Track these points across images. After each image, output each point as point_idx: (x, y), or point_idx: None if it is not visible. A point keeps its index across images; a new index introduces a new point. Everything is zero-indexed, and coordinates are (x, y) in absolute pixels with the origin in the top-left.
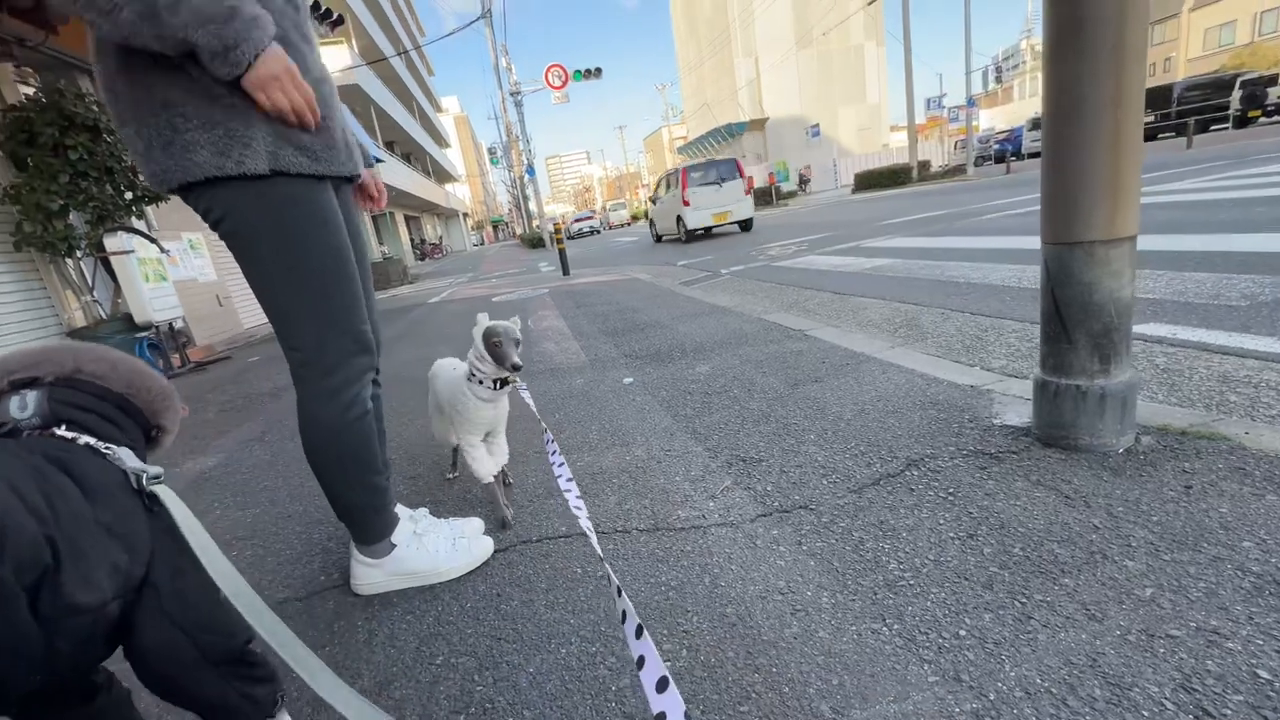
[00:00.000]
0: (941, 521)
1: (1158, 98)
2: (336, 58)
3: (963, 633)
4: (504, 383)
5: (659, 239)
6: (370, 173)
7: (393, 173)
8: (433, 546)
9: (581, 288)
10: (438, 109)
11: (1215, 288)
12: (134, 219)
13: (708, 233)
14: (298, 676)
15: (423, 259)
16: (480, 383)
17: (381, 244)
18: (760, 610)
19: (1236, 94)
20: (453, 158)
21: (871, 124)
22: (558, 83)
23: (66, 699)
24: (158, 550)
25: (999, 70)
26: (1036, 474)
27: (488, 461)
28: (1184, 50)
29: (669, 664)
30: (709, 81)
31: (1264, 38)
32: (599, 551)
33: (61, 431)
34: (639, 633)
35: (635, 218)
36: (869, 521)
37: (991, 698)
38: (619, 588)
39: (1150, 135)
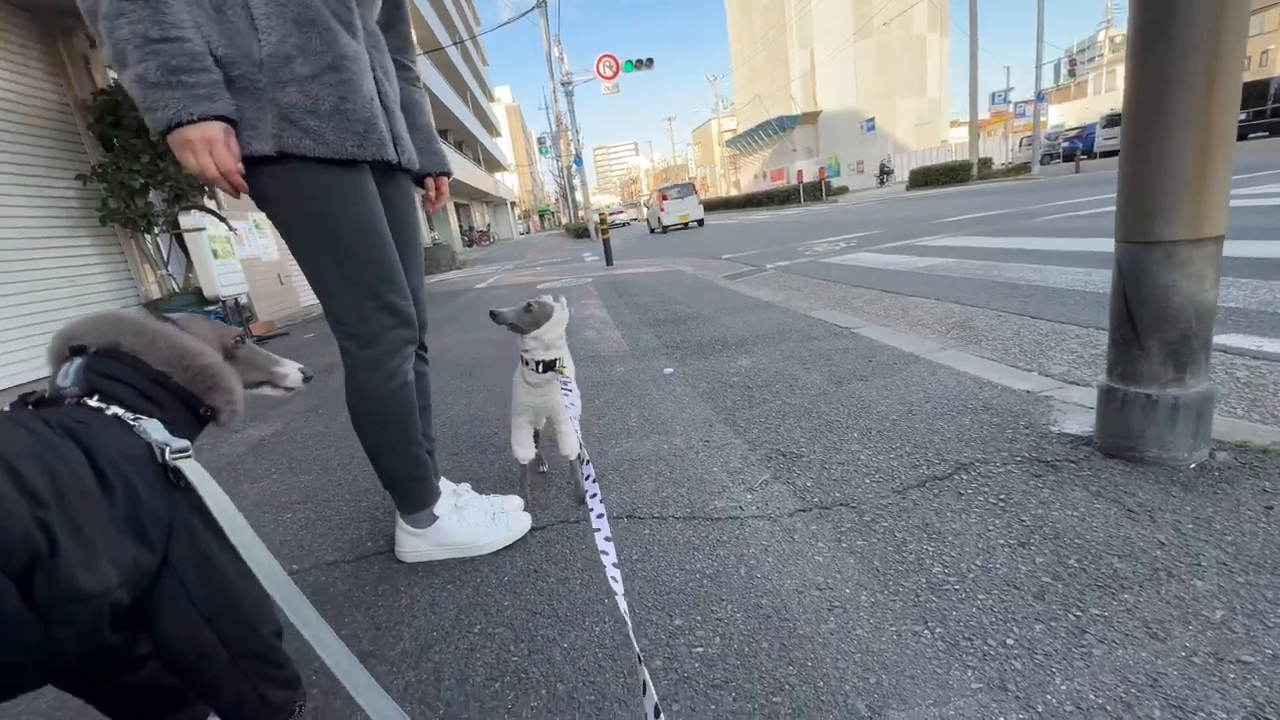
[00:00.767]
0: (991, 528)
1: (1253, 94)
2: None
3: (1010, 641)
4: (549, 367)
5: (651, 230)
6: (439, 180)
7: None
8: (473, 519)
9: (624, 278)
10: (490, 98)
11: None
12: (206, 198)
13: (680, 228)
14: (327, 686)
15: (470, 246)
16: (526, 363)
17: (432, 230)
18: (796, 604)
19: None
20: (503, 147)
21: (931, 118)
22: (608, 73)
23: (112, 668)
24: (179, 530)
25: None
26: (1097, 485)
27: (527, 445)
28: None
29: (701, 650)
30: (762, 73)
31: None
32: (633, 640)
33: (93, 402)
34: (656, 713)
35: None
36: (913, 523)
37: (1039, 709)
38: (639, 655)
39: (1242, 135)
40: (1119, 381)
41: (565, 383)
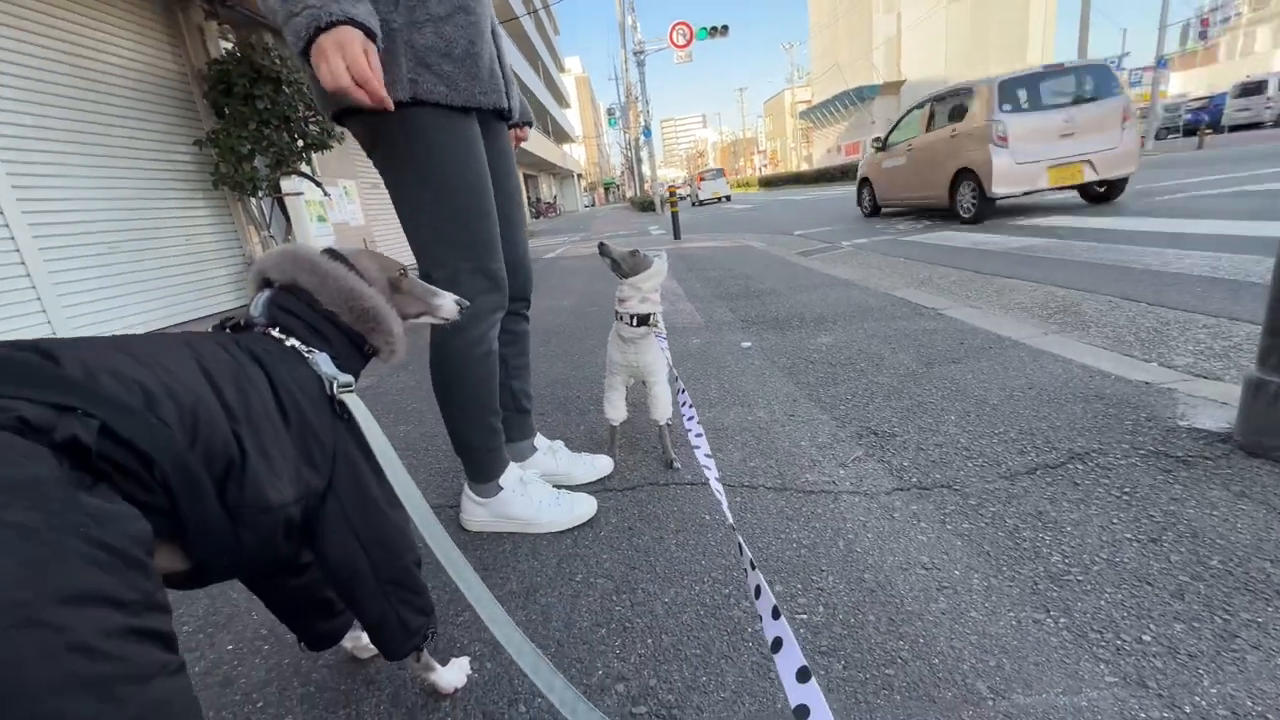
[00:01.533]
0: (1115, 521)
1: None
2: None
3: (1147, 638)
4: (643, 321)
5: (692, 204)
6: (522, 130)
7: None
8: (536, 497)
9: (693, 252)
10: (561, 69)
11: None
12: (304, 164)
13: (714, 202)
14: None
15: (538, 217)
16: (620, 318)
17: None
18: (902, 581)
19: None
20: (571, 119)
21: None
22: (682, 41)
23: (282, 571)
24: (341, 458)
25: (1205, 24)
26: (1240, 485)
27: (619, 406)
28: None
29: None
30: (842, 40)
31: None
32: (730, 519)
33: (275, 333)
34: (775, 614)
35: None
36: (1025, 510)
37: (1186, 710)
38: (752, 561)
39: None
40: (1273, 374)
41: (660, 334)
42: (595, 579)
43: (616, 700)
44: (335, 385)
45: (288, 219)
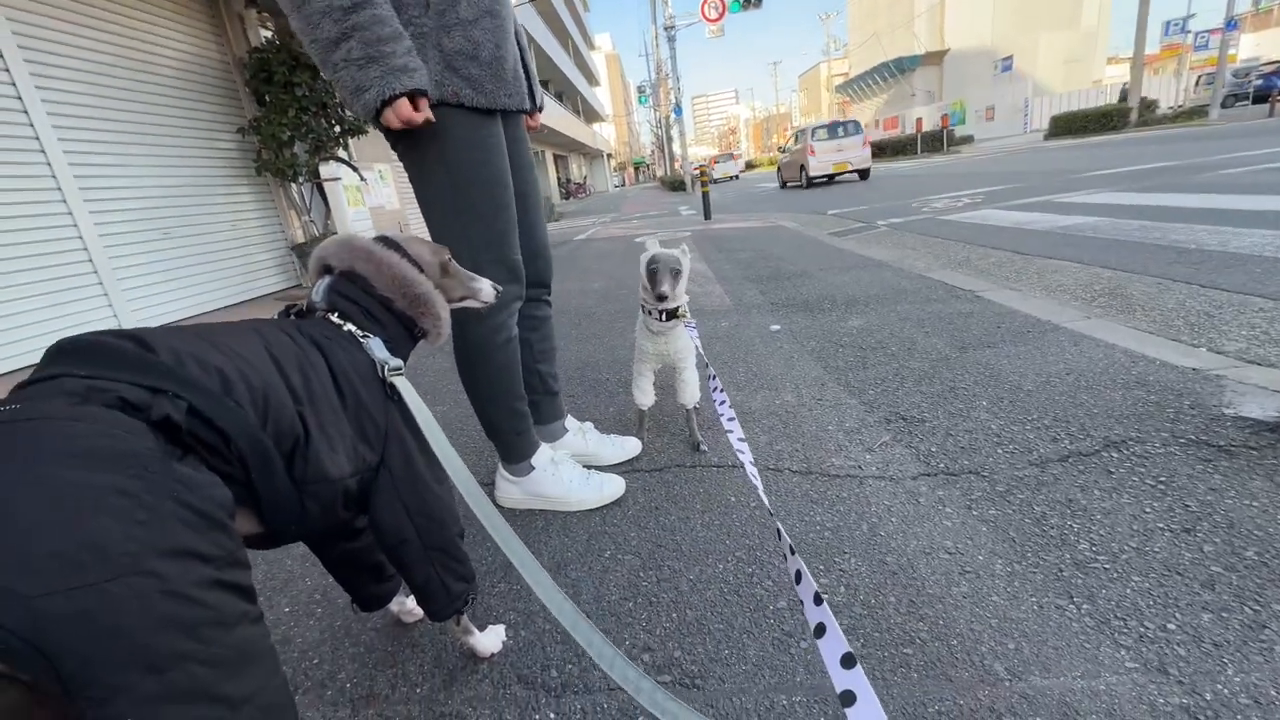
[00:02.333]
0: (1148, 510)
1: None
2: None
3: (1171, 626)
4: (672, 315)
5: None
6: (533, 117)
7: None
8: (566, 476)
9: (723, 232)
10: (591, 46)
11: None
12: (341, 150)
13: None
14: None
15: (568, 198)
16: (649, 313)
17: None
18: (924, 565)
19: None
20: (601, 97)
21: (1083, 54)
22: (714, 14)
23: (340, 536)
24: (392, 436)
25: None
26: None
27: (648, 392)
28: None
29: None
30: (881, 9)
31: None
32: (767, 504)
33: (334, 318)
34: (818, 600)
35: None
36: (1054, 498)
37: (1208, 698)
38: (791, 546)
39: None
40: None
41: (690, 323)
42: (623, 555)
43: (642, 669)
44: (387, 369)
45: (327, 204)
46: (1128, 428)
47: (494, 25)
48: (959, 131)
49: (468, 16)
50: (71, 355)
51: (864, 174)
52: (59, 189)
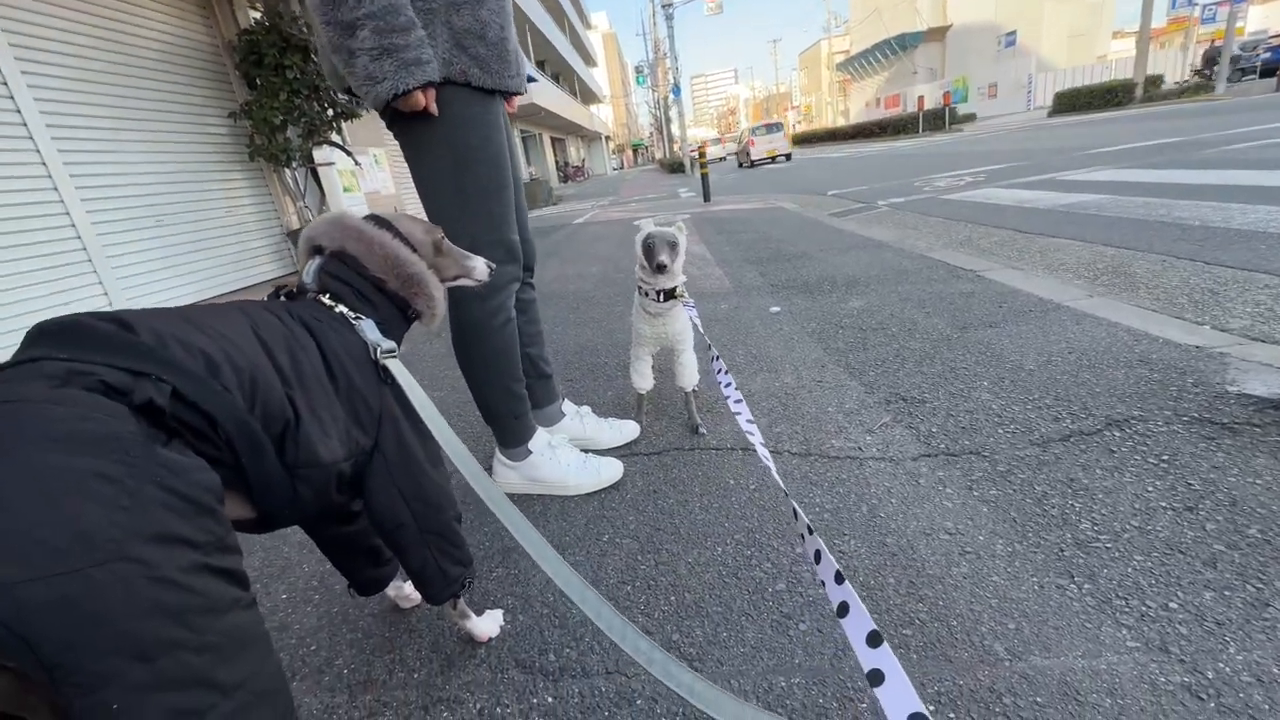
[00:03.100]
0: (1150, 489)
1: None
2: None
3: (1173, 605)
4: (670, 295)
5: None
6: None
7: (543, 93)
8: (564, 460)
9: (723, 214)
10: (587, 25)
11: None
12: (334, 134)
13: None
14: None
15: (565, 181)
16: (646, 294)
17: (530, 165)
18: (924, 546)
19: None
20: (599, 78)
21: (1088, 29)
22: None
23: (335, 519)
24: (386, 419)
25: None
26: None
27: (646, 375)
28: None
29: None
30: None
31: None
32: (781, 485)
33: (325, 300)
34: (839, 579)
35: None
36: (1055, 477)
37: (1209, 676)
38: (809, 526)
39: None
40: None
41: (688, 304)
42: (621, 539)
43: (654, 641)
44: (379, 351)
45: (321, 189)
46: (1130, 406)
47: (499, 6)
48: (961, 109)
49: None
50: (52, 337)
51: (787, 156)
52: (49, 176)
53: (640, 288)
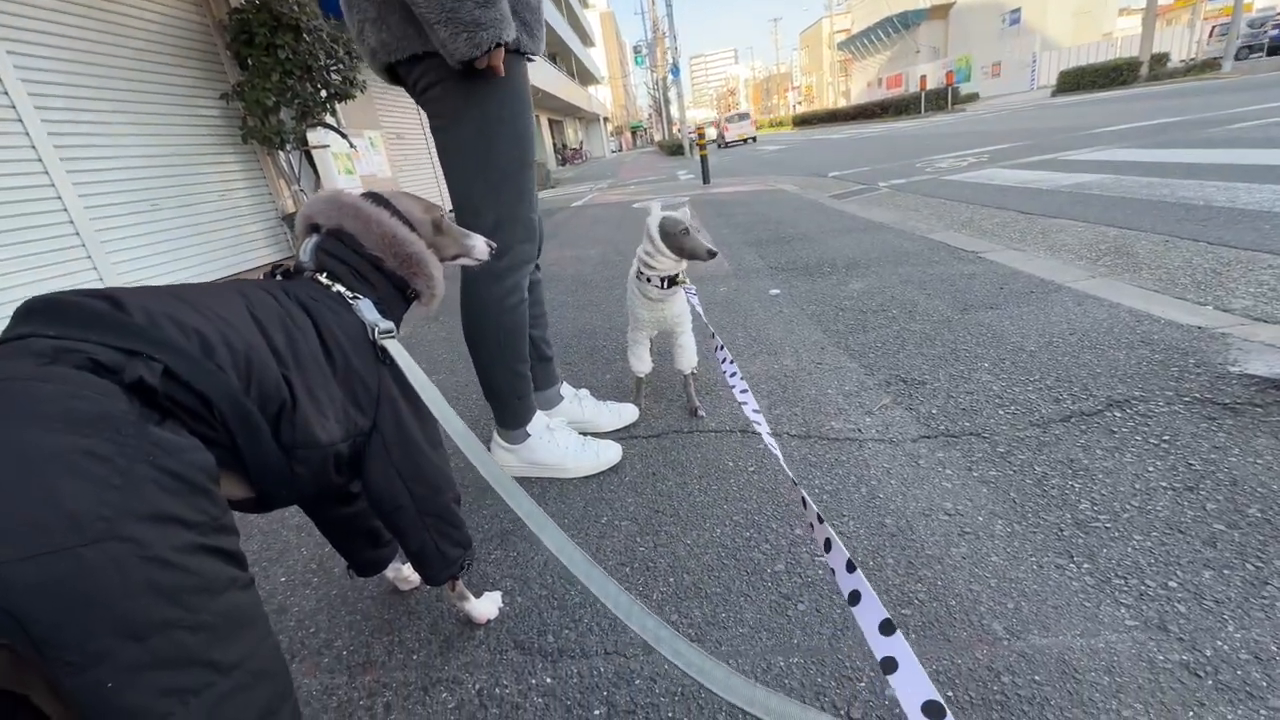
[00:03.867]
0: (1151, 469)
1: None
2: None
3: (1173, 584)
4: (673, 281)
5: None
6: None
7: (541, 74)
8: (563, 443)
9: (723, 196)
10: (584, 3)
11: None
12: (328, 115)
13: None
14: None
15: (564, 164)
16: (649, 281)
17: None
18: (923, 526)
19: None
20: (596, 58)
21: (1094, 5)
22: None
23: (334, 500)
24: (384, 400)
25: None
26: None
27: (645, 359)
28: None
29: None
30: None
31: None
32: (789, 473)
33: (323, 279)
34: (850, 567)
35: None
36: (1055, 458)
37: (1208, 654)
38: (819, 515)
39: None
40: None
41: (689, 288)
42: (620, 521)
43: (661, 619)
44: (376, 331)
45: (316, 173)
46: (1131, 387)
47: None
48: (964, 89)
49: None
50: (41, 315)
51: (754, 139)
52: (40, 160)
53: (641, 273)
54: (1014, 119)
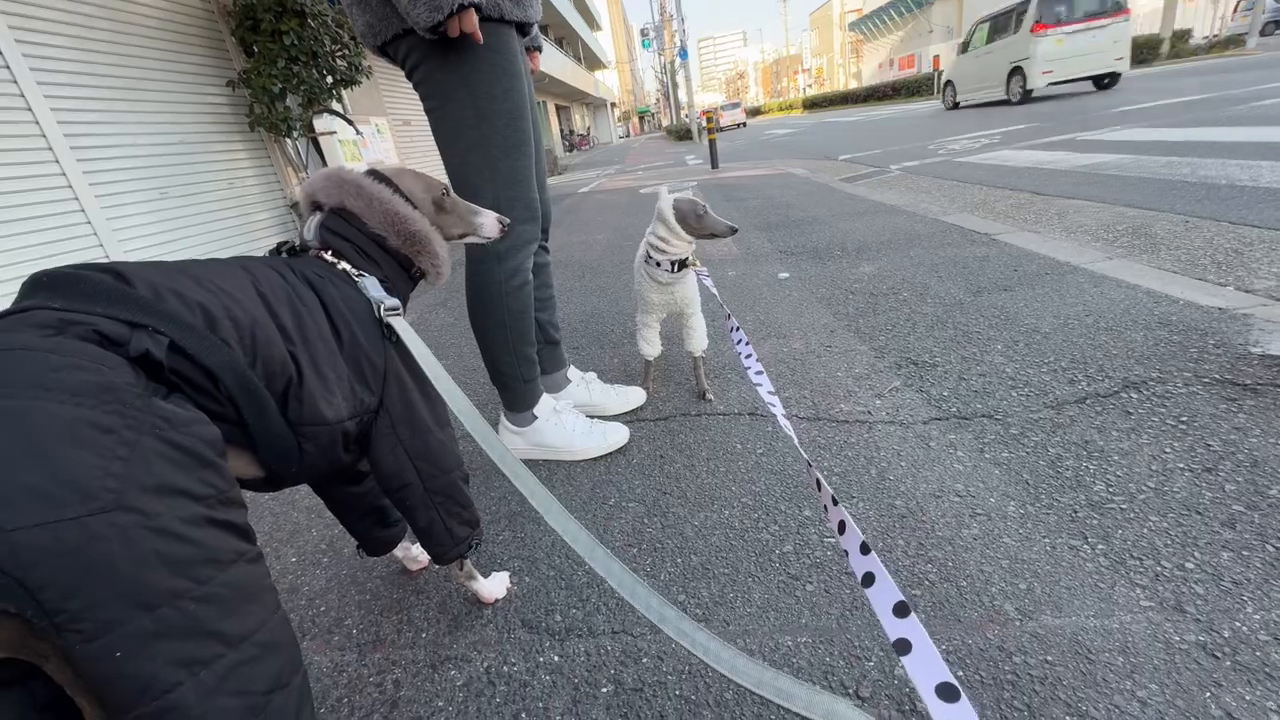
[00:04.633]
0: (1168, 450)
1: None
2: None
3: (1190, 565)
4: (682, 265)
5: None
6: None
7: (547, 59)
8: (570, 425)
9: (731, 181)
10: None
11: None
12: (335, 102)
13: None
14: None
15: (571, 150)
16: (658, 265)
17: None
18: (934, 508)
19: None
20: (603, 42)
21: None
22: None
23: (343, 478)
24: (391, 377)
25: None
26: None
27: (654, 343)
28: None
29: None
30: None
31: None
32: (804, 456)
33: (328, 256)
34: (865, 549)
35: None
36: (1070, 440)
37: (1225, 635)
38: (834, 496)
39: None
40: None
41: (701, 271)
42: (627, 503)
43: (666, 599)
44: (382, 308)
45: (324, 160)
46: (1148, 368)
47: None
48: None
49: None
50: (47, 288)
51: (744, 124)
52: (50, 149)
53: (650, 257)
54: (1028, 99)
